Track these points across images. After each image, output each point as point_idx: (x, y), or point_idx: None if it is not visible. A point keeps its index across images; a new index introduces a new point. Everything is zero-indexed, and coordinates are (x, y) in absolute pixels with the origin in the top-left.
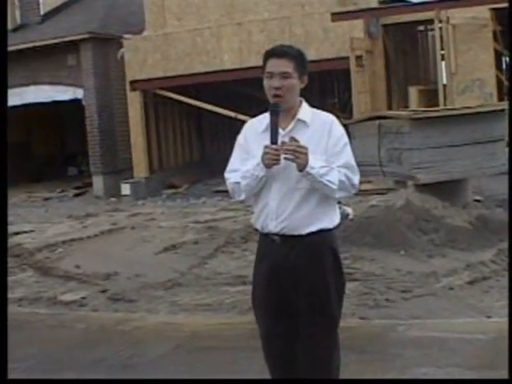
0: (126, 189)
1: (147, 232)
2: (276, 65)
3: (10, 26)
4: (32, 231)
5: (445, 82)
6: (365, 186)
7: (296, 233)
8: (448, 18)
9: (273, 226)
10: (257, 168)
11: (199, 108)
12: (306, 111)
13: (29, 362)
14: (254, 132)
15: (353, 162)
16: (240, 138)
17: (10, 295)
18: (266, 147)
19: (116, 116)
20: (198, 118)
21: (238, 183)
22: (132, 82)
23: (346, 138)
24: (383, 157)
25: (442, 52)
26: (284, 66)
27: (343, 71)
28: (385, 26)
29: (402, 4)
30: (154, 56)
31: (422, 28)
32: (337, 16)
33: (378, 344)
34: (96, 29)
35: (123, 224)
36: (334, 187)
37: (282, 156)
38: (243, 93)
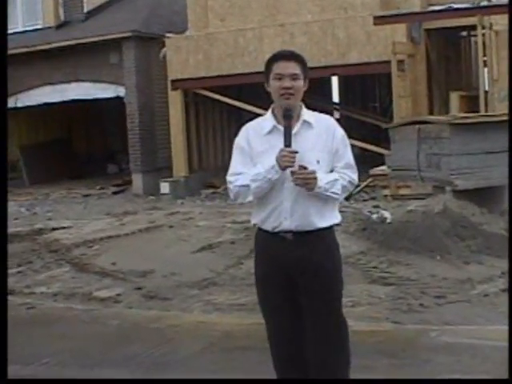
0: (165, 187)
1: (184, 231)
2: (285, 67)
3: (53, 23)
4: (70, 227)
5: (487, 88)
6: (403, 191)
7: (310, 228)
8: (491, 24)
9: (287, 225)
10: (271, 171)
11: (240, 108)
12: (308, 113)
13: (61, 356)
14: (258, 135)
15: (353, 162)
16: (241, 142)
17: (45, 290)
18: (282, 150)
19: (157, 115)
20: (239, 119)
21: (247, 186)
22: (173, 82)
23: (346, 140)
24: (422, 162)
25: (485, 58)
26: (293, 67)
27: (385, 75)
28: (427, 30)
29: (445, 9)
30: (195, 56)
31: (464, 34)
32: (379, 20)
33: (409, 349)
34: (139, 27)
35: (161, 222)
36: (338, 197)
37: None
38: None
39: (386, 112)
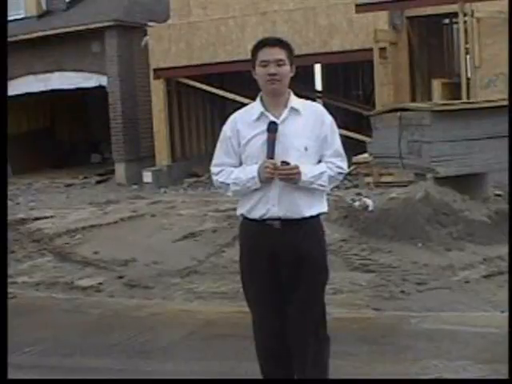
0: (148, 176)
1: (167, 220)
2: (270, 53)
3: (35, 13)
4: (53, 217)
5: (469, 75)
6: (386, 178)
7: (297, 216)
8: (473, 12)
9: (275, 211)
10: (251, 181)
11: (222, 97)
12: (296, 100)
13: (43, 345)
14: (246, 122)
15: (341, 150)
16: (227, 132)
17: (27, 279)
18: (264, 161)
19: (139, 104)
20: (222, 107)
21: (227, 185)
22: (156, 70)
23: (335, 127)
24: (403, 149)
25: (467, 46)
26: (278, 53)
27: (367, 63)
28: (409, 18)
29: None
30: (178, 44)
31: (446, 21)
32: (361, 7)
33: (390, 335)
34: (121, 16)
35: (143, 211)
36: (324, 188)
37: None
38: None
39: (369, 100)
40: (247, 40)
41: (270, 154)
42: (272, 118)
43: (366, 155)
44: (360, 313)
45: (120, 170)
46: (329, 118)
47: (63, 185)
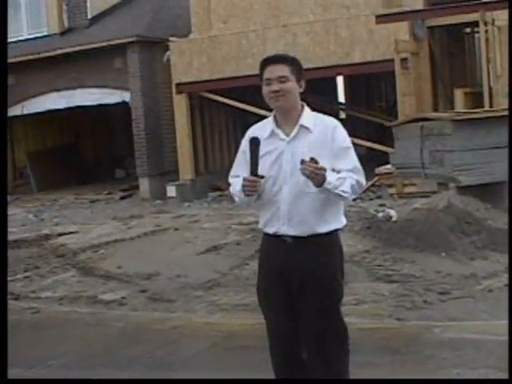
0: (171, 191)
1: (190, 233)
2: (273, 71)
3: (57, 30)
4: (77, 232)
5: (491, 84)
6: (408, 189)
7: (309, 234)
8: (493, 20)
9: (285, 230)
10: (242, 194)
11: (245, 110)
12: (308, 116)
13: (66, 358)
14: (260, 138)
15: (359, 166)
16: (243, 145)
17: (51, 294)
18: (244, 179)
19: (162, 118)
20: (244, 121)
21: (234, 195)
22: (178, 85)
23: (349, 142)
24: (425, 159)
25: (489, 55)
26: (280, 70)
27: (389, 74)
28: (430, 28)
29: (447, 6)
30: (199, 59)
31: (468, 30)
32: (382, 18)
33: (412, 345)
34: (143, 32)
35: (167, 225)
36: (347, 196)
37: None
38: None
39: (392, 111)
40: (268, 53)
41: (253, 169)
42: (282, 137)
43: (388, 166)
44: (383, 323)
45: (144, 184)
46: (341, 134)
47: (88, 200)
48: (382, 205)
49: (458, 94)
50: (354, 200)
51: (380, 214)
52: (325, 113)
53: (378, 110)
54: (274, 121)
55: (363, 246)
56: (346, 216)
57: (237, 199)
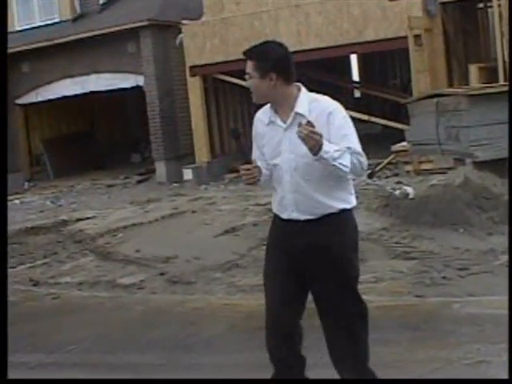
0: (188, 174)
1: (207, 215)
2: (246, 65)
3: (69, 16)
4: (94, 217)
5: (506, 58)
6: (425, 166)
7: (319, 216)
8: None
9: (295, 216)
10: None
11: None
12: (303, 102)
13: (86, 343)
14: (262, 125)
15: (357, 146)
16: (253, 130)
17: (70, 280)
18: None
19: (177, 102)
20: None
21: None
22: (191, 68)
23: (348, 126)
24: (441, 135)
25: (502, 29)
26: (248, 66)
27: (403, 51)
28: (443, 3)
29: None
30: (212, 41)
31: (481, 5)
32: None
33: (432, 321)
34: (155, 16)
35: (184, 208)
36: (347, 170)
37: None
38: (302, 75)
39: (407, 88)
40: (281, 33)
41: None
42: (279, 123)
43: (404, 143)
44: (402, 300)
45: (160, 168)
46: (339, 117)
47: (104, 185)
48: (398, 182)
49: (473, 70)
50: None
51: (397, 192)
52: (339, 91)
53: (392, 88)
54: (271, 107)
55: (381, 224)
56: (363, 194)
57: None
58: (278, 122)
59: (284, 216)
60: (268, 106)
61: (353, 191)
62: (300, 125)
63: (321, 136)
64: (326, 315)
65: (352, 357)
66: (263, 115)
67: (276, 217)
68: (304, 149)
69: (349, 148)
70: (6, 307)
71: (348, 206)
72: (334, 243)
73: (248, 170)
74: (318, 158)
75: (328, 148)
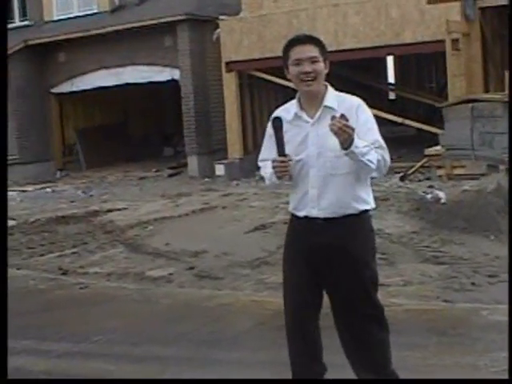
0: (220, 169)
1: (238, 211)
2: (303, 51)
3: (107, 8)
4: (125, 209)
5: None
6: (458, 171)
7: (339, 215)
8: None
9: (315, 213)
10: (273, 176)
11: (294, 90)
12: (331, 97)
13: (113, 334)
14: (284, 121)
15: (382, 142)
16: (269, 128)
17: (99, 270)
18: (273, 161)
19: (211, 97)
20: (293, 100)
21: (264, 178)
22: (227, 63)
23: (372, 121)
24: (475, 140)
25: None
26: (311, 51)
27: (440, 54)
28: (482, 9)
29: None
30: (249, 37)
31: None
32: None
33: (459, 327)
34: (193, 10)
35: (215, 204)
36: (373, 166)
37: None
38: (338, 75)
39: (442, 92)
40: (319, 32)
41: (281, 150)
42: (306, 119)
43: (438, 147)
44: (430, 304)
45: (192, 162)
46: (365, 112)
47: (136, 178)
48: (430, 186)
49: (509, 76)
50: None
51: (429, 196)
52: (374, 93)
53: (427, 91)
54: (297, 103)
55: (411, 227)
56: (395, 196)
57: (267, 182)
58: (305, 116)
59: (302, 213)
60: (289, 103)
61: (371, 193)
62: (333, 118)
63: (353, 130)
64: (340, 317)
65: (370, 360)
66: (284, 112)
67: (293, 216)
68: (332, 142)
69: (376, 141)
70: (6, 308)
71: (368, 207)
72: (352, 245)
73: (282, 162)
74: (347, 153)
75: (358, 143)
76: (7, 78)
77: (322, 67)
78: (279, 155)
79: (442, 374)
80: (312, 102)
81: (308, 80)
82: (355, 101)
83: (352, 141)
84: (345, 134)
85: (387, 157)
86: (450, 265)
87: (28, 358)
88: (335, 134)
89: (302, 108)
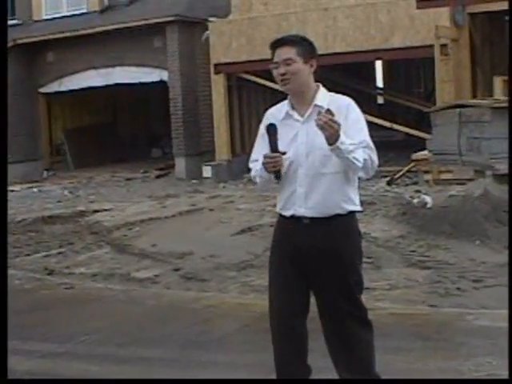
0: (207, 171)
1: (225, 214)
2: (279, 54)
3: (97, 8)
4: (112, 210)
5: None
6: (445, 176)
7: (326, 215)
8: None
9: (302, 212)
10: (263, 170)
11: (283, 92)
12: (322, 96)
13: (98, 334)
14: (277, 120)
15: (370, 143)
16: (262, 128)
17: (84, 270)
18: (264, 156)
19: (200, 99)
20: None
21: (254, 178)
22: (216, 65)
23: (362, 121)
24: (463, 146)
25: None
26: (285, 53)
27: (429, 60)
28: (471, 14)
29: None
30: (238, 39)
31: (508, 18)
32: (422, 3)
33: (444, 332)
34: (182, 12)
35: (202, 205)
36: (360, 165)
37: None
38: (327, 79)
39: (430, 97)
40: (308, 36)
41: (274, 148)
42: (297, 118)
43: (425, 152)
44: (415, 309)
45: (180, 164)
46: (355, 112)
47: (123, 179)
48: (417, 191)
49: (498, 82)
50: (388, 184)
51: (415, 200)
52: (362, 97)
53: (416, 96)
54: (289, 103)
55: (398, 232)
56: (382, 200)
57: (258, 180)
58: (296, 116)
59: (290, 212)
60: (282, 103)
61: (358, 196)
62: (319, 113)
63: (339, 125)
64: (325, 317)
65: (353, 361)
66: (276, 112)
67: (280, 217)
68: (320, 141)
69: (364, 141)
70: (6, 308)
71: (356, 209)
72: (340, 247)
73: (272, 157)
74: (333, 148)
75: (344, 140)
76: (7, 78)
77: (295, 68)
78: (272, 152)
79: (426, 378)
80: (301, 102)
81: (283, 80)
82: (346, 100)
83: (338, 137)
84: (330, 129)
85: (375, 158)
86: (436, 269)
87: (13, 357)
88: (321, 128)
89: (293, 107)
